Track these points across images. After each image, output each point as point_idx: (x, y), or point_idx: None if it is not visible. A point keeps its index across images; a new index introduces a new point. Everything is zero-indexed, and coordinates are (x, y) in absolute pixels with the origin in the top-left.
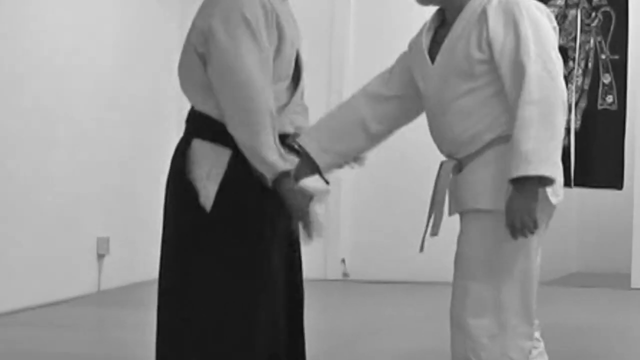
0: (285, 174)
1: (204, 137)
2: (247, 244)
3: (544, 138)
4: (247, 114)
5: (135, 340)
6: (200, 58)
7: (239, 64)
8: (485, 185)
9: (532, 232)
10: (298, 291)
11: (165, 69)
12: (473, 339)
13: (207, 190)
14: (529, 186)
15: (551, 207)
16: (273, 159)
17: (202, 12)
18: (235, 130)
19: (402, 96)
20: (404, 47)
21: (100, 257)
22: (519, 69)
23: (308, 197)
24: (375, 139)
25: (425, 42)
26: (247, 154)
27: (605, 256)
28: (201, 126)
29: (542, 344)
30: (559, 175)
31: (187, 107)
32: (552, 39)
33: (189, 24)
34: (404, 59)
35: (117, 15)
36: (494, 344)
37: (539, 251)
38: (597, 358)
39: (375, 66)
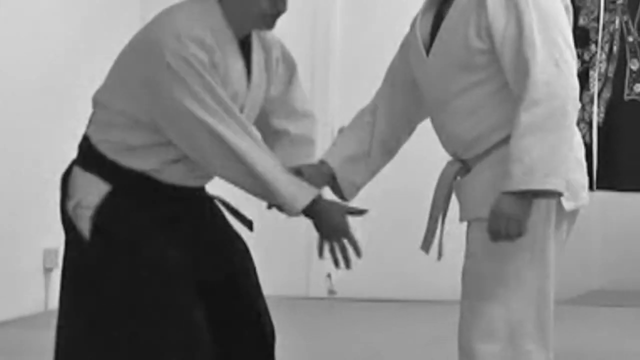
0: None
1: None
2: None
3: (551, 145)
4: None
5: None
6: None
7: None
8: (491, 192)
9: (512, 240)
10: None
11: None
12: None
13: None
14: (526, 197)
15: (569, 213)
16: (291, 195)
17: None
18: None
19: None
20: (391, 36)
21: (48, 271)
22: (522, 63)
23: (344, 211)
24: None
25: (423, 28)
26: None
27: (633, 271)
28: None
29: None
30: (580, 179)
31: None
32: (564, 24)
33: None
34: (399, 54)
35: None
36: None
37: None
38: None
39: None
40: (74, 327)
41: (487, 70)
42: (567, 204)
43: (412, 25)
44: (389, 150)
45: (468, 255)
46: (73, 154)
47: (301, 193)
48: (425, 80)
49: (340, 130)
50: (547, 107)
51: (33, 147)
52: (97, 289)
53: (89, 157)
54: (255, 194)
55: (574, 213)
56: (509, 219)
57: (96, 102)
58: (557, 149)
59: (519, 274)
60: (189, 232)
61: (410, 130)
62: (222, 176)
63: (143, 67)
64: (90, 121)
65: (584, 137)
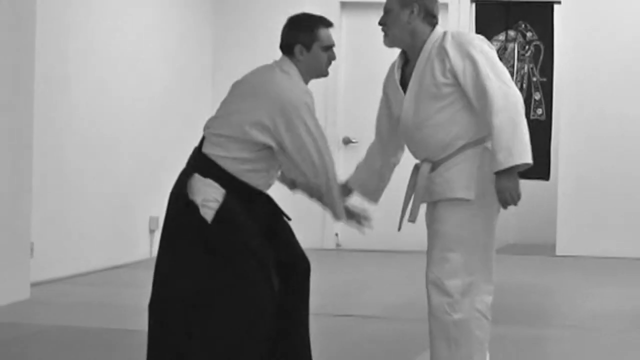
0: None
1: (205, 175)
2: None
3: (518, 135)
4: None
5: None
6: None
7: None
8: (459, 180)
9: (516, 204)
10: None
11: (199, 83)
12: (449, 296)
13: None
14: (513, 172)
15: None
16: (341, 209)
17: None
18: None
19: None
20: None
21: (152, 231)
22: (481, 89)
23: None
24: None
25: (397, 77)
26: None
27: (536, 230)
28: (208, 168)
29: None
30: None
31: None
32: (497, 60)
33: (219, 54)
34: (379, 110)
35: (160, 40)
36: (465, 299)
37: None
38: (533, 308)
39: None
40: (187, 276)
41: (450, 97)
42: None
43: (388, 76)
44: (392, 167)
45: (438, 223)
46: (170, 152)
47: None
48: (404, 111)
49: (345, 141)
50: (508, 111)
51: (145, 148)
52: (214, 254)
53: (207, 167)
54: (319, 199)
55: None
56: (508, 190)
57: (209, 128)
58: (522, 136)
59: (474, 234)
60: (265, 222)
61: (402, 150)
62: (306, 182)
63: (270, 111)
64: (204, 139)
65: None
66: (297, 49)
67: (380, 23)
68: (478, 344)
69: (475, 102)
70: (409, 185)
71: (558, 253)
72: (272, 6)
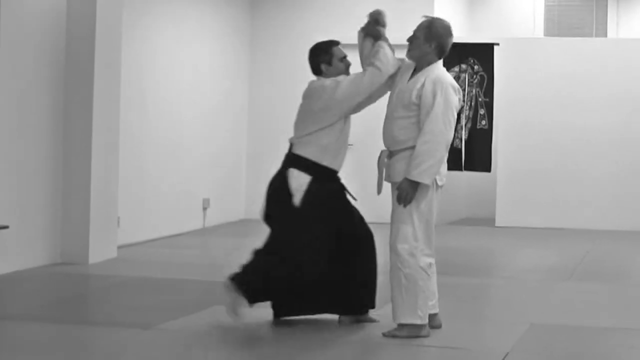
0: None
1: (298, 168)
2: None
3: (428, 162)
4: None
5: (225, 252)
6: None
7: None
8: (402, 172)
9: (406, 204)
10: (350, 242)
11: (239, 101)
12: (400, 257)
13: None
14: (413, 181)
15: (440, 185)
16: None
17: None
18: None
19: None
20: None
21: (204, 209)
22: (427, 120)
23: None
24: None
25: (407, 77)
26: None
27: (481, 208)
28: (298, 162)
29: (434, 260)
30: (438, 173)
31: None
32: (454, 106)
33: (253, 80)
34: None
35: (210, 57)
36: (412, 259)
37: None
38: (478, 264)
39: None
40: (284, 235)
41: (414, 112)
42: (440, 181)
43: (402, 73)
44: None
45: (393, 201)
46: (221, 151)
47: None
48: (392, 100)
49: None
50: (431, 143)
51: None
52: (302, 225)
53: (297, 161)
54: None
55: (439, 186)
56: (405, 192)
57: (297, 136)
58: (431, 164)
59: (419, 212)
60: (338, 199)
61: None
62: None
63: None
64: (292, 145)
65: (457, 146)
66: (323, 67)
67: (408, 40)
68: (421, 291)
69: (424, 119)
70: (377, 165)
71: (497, 224)
72: (299, 37)
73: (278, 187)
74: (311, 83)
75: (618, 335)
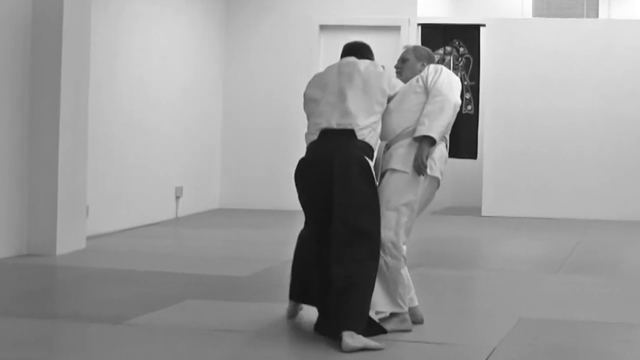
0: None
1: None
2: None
3: (437, 116)
4: None
5: (199, 243)
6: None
7: None
8: (401, 158)
9: (424, 172)
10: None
11: (213, 83)
12: (383, 243)
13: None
14: (426, 142)
15: (433, 178)
16: None
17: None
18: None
19: None
20: None
21: (177, 198)
22: (436, 83)
23: None
24: None
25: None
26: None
27: (467, 197)
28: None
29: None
30: (441, 142)
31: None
32: (457, 83)
33: (229, 61)
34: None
35: (183, 37)
36: (395, 248)
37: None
38: (464, 255)
39: None
40: None
41: (420, 96)
42: (436, 173)
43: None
44: None
45: (383, 188)
46: (191, 137)
47: None
48: (393, 101)
49: None
50: (442, 103)
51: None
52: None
53: (368, 151)
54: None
55: (435, 179)
56: (419, 156)
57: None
58: (443, 122)
59: (405, 201)
60: None
61: None
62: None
63: (374, 84)
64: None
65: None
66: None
67: (396, 67)
68: (401, 278)
69: (430, 96)
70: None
71: (483, 214)
72: (277, 16)
73: (356, 174)
74: (374, 65)
75: (611, 329)
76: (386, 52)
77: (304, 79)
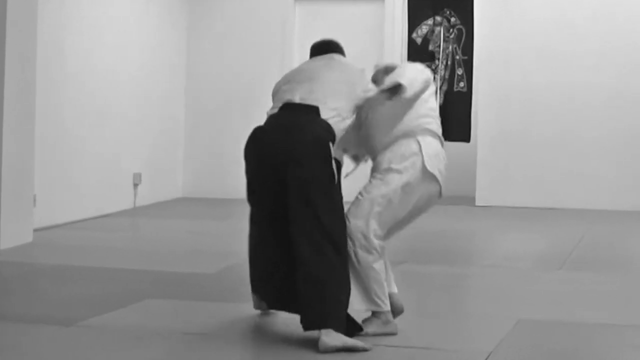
0: None
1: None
2: None
3: (413, 74)
4: None
5: (159, 236)
6: None
7: None
8: (387, 160)
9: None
10: None
11: (174, 57)
12: (352, 233)
13: None
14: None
15: (429, 174)
16: None
17: None
18: None
19: None
20: None
21: (135, 185)
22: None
23: None
24: None
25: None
26: None
27: (459, 184)
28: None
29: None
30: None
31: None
32: (426, 73)
33: (191, 35)
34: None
35: (141, 10)
36: (364, 239)
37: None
38: (456, 250)
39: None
40: None
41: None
42: (432, 169)
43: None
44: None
45: (369, 184)
46: (153, 122)
47: None
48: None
49: None
50: (417, 68)
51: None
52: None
53: (324, 127)
54: None
55: (433, 178)
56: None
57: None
58: (414, 76)
59: (384, 191)
60: None
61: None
62: None
63: (352, 79)
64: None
65: None
66: None
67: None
68: (374, 273)
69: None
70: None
71: (477, 203)
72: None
73: (314, 152)
74: (353, 66)
75: (617, 332)
76: (369, 25)
77: (277, 55)
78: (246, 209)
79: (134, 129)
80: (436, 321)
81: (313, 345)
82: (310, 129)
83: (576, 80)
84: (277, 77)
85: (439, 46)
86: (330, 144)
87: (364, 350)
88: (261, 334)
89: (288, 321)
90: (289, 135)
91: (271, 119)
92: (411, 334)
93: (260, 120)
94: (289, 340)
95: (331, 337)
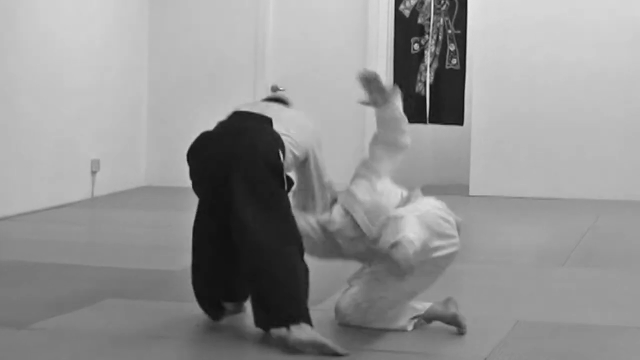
0: None
1: None
2: None
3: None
4: None
5: (120, 229)
6: None
7: None
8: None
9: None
10: None
11: (137, 33)
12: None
13: None
14: None
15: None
16: None
17: None
18: None
19: None
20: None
21: (93, 173)
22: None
23: None
24: None
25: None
26: None
27: (447, 172)
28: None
29: None
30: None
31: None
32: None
33: (154, 8)
34: None
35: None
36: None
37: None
38: None
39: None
40: None
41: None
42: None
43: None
44: None
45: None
46: (110, 102)
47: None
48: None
49: (274, 89)
50: None
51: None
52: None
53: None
54: None
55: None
56: None
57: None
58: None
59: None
60: None
61: None
62: None
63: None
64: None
65: (420, 91)
66: None
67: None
68: None
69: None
70: None
71: (471, 193)
72: None
73: (262, 161)
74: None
75: (629, 335)
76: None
77: (250, 27)
78: None
79: (92, 109)
80: (429, 324)
81: (279, 346)
82: (259, 135)
83: (582, 57)
84: (251, 53)
85: (429, 19)
86: (281, 155)
87: (340, 354)
88: (229, 337)
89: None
90: (236, 138)
91: (218, 124)
92: (401, 337)
93: (229, 96)
94: (256, 343)
95: (297, 333)
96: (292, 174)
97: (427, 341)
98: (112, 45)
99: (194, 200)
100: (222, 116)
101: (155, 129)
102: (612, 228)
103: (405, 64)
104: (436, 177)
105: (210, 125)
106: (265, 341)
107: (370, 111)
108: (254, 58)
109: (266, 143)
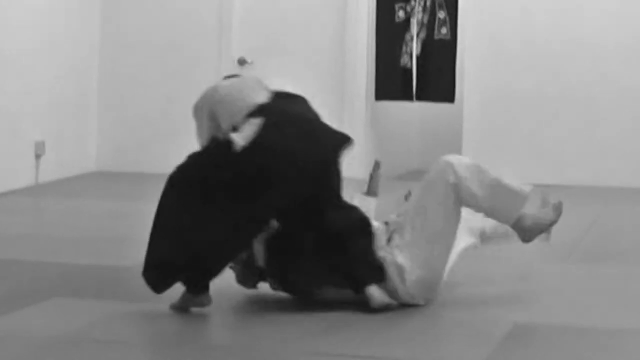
0: None
1: None
2: None
3: None
4: None
5: (68, 220)
6: None
7: None
8: None
9: None
10: None
11: (86, 3)
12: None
13: None
14: None
15: None
16: None
17: None
18: None
19: None
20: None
21: (38, 156)
22: None
23: None
24: None
25: None
26: None
27: (436, 155)
28: None
29: None
30: None
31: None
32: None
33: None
34: None
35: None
36: None
37: None
38: None
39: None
40: None
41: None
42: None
43: None
44: None
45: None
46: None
47: None
48: None
49: (241, 61)
50: None
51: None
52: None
53: None
54: None
55: None
56: None
57: None
58: None
59: None
60: None
61: None
62: None
63: None
64: None
65: (406, 65)
66: None
67: None
68: None
69: None
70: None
71: None
72: None
73: None
74: None
75: (633, 339)
76: None
77: (214, 1)
78: None
79: (36, 86)
80: (418, 327)
81: (251, 349)
82: None
83: (588, 28)
84: (213, 30)
85: None
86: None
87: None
88: (188, 341)
89: (220, 323)
90: None
91: None
92: (390, 341)
93: (187, 76)
94: (223, 346)
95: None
96: None
97: (412, 345)
98: (58, 17)
99: (149, 188)
100: (183, 94)
101: (106, 109)
102: (619, 219)
103: (389, 33)
104: (423, 161)
105: (168, 107)
106: (229, 340)
107: (346, 82)
108: (218, 26)
109: None
